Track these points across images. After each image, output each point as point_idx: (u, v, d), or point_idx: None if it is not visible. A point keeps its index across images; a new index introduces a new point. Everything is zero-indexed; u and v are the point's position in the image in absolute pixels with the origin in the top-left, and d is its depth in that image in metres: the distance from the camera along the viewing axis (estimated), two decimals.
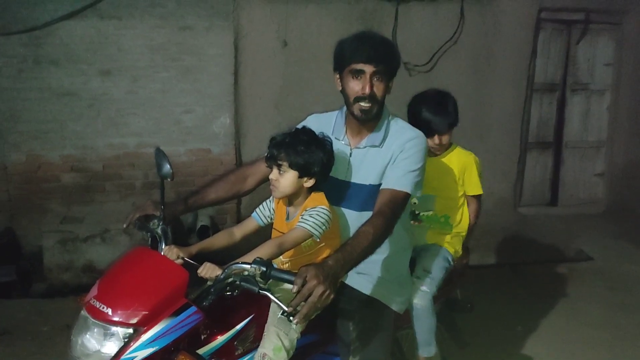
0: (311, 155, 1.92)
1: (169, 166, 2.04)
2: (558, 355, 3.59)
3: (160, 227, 2.03)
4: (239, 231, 2.10)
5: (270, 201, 2.12)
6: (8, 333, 3.83)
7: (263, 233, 2.18)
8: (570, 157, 6.58)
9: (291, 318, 1.57)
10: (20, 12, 4.77)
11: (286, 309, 1.58)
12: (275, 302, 1.64)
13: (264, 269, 1.63)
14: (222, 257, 1.96)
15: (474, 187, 2.79)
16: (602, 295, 4.54)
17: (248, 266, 1.66)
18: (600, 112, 6.58)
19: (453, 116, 2.70)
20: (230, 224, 5.46)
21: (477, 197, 2.83)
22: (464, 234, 2.81)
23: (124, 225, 2.12)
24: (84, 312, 1.68)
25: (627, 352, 3.67)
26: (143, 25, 4.99)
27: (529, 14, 5.95)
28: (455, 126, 2.72)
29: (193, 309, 1.70)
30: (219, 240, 2.06)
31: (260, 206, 2.13)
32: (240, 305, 1.88)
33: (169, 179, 2.05)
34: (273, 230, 2.10)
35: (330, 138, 2.04)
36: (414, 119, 2.59)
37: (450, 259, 2.68)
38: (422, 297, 2.43)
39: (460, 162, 2.76)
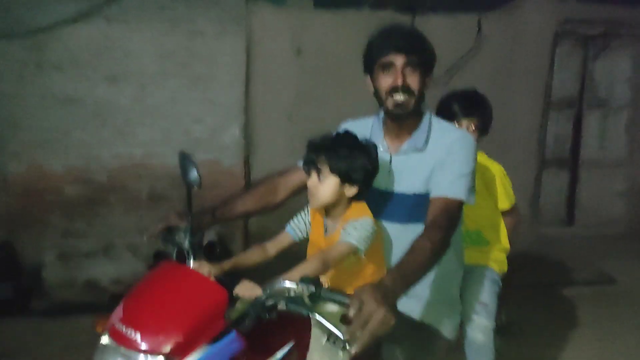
0: (354, 160, 1.74)
1: (196, 172, 1.82)
2: None
3: (188, 240, 1.81)
4: (273, 247, 1.91)
5: (305, 214, 1.92)
6: (6, 356, 3.57)
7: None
8: (587, 176, 6.40)
9: (347, 346, 1.33)
10: (22, 15, 4.53)
11: (341, 335, 1.36)
12: (331, 329, 1.41)
13: (313, 289, 1.42)
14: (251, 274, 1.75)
15: (504, 199, 2.59)
16: (630, 320, 4.35)
17: (294, 285, 1.44)
18: (618, 130, 6.43)
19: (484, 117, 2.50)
20: (239, 240, 5.23)
21: (511, 209, 2.62)
22: (507, 247, 2.59)
23: (145, 238, 1.92)
24: (106, 338, 1.44)
25: None
26: (152, 29, 4.76)
27: (547, 27, 5.83)
28: (485, 132, 2.53)
29: (233, 334, 1.46)
30: (251, 256, 1.87)
31: (295, 219, 1.93)
32: (278, 330, 1.63)
33: (195, 187, 1.82)
34: (309, 244, 1.90)
35: (374, 143, 1.84)
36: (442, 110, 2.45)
37: (499, 280, 2.47)
38: (483, 331, 2.21)
39: (484, 171, 2.55)
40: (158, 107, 4.90)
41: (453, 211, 1.79)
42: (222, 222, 2.08)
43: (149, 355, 1.37)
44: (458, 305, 2.09)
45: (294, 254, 1.95)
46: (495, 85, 5.70)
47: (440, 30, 5.48)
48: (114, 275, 4.45)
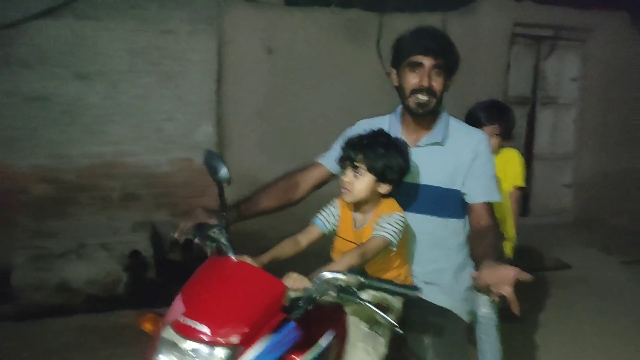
0: (390, 160, 1.83)
1: (225, 169, 1.82)
2: None
3: (224, 236, 1.83)
4: (304, 239, 1.95)
5: (334, 207, 1.98)
6: None
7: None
8: (540, 169, 6.78)
9: (399, 331, 1.58)
10: None
11: (394, 322, 1.53)
12: (382, 316, 1.53)
13: (362, 278, 1.51)
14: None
15: (517, 178, 2.86)
16: (588, 303, 4.63)
17: (342, 276, 1.53)
18: (568, 125, 6.83)
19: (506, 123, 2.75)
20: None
21: (520, 189, 2.87)
22: (514, 237, 2.80)
23: (176, 235, 1.90)
24: (170, 332, 1.46)
25: (625, 358, 3.75)
26: (123, 27, 4.71)
27: (504, 29, 6.12)
28: (507, 136, 2.72)
29: (292, 324, 1.52)
30: (286, 248, 1.90)
31: (324, 212, 1.98)
32: (318, 320, 1.70)
33: (226, 184, 1.84)
34: (337, 238, 1.97)
35: (406, 142, 1.94)
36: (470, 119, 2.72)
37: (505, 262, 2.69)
38: (489, 306, 2.40)
39: (503, 157, 2.78)
40: (129, 104, 4.85)
41: (492, 212, 2.01)
42: (247, 218, 2.11)
43: (217, 346, 1.42)
44: (471, 292, 2.23)
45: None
46: (458, 83, 5.91)
47: (406, 28, 5.65)
48: (88, 276, 4.36)
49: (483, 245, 1.83)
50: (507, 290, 1.56)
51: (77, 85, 4.68)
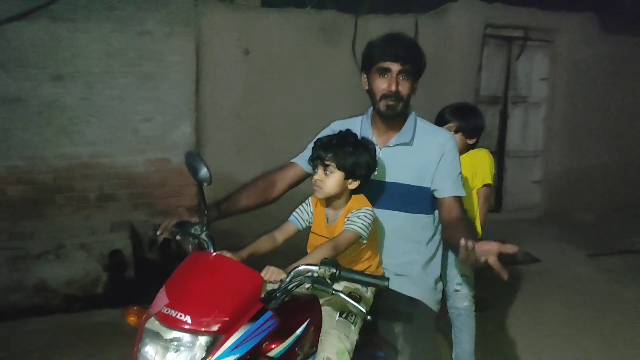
0: (358, 158, 1.94)
1: (206, 169, 1.92)
2: (529, 351, 3.76)
3: (205, 232, 1.94)
4: (280, 235, 2.07)
5: (308, 204, 2.10)
6: None
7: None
8: (511, 165, 6.97)
9: (369, 318, 1.69)
10: None
11: (364, 310, 1.65)
12: (352, 303, 1.64)
13: (334, 270, 1.62)
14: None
15: (485, 177, 2.96)
16: (555, 294, 4.83)
17: (316, 267, 1.64)
18: (537, 123, 7.03)
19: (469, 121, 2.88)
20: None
21: (488, 187, 2.99)
22: (479, 233, 2.94)
23: (158, 232, 2.01)
24: (155, 323, 1.55)
25: (589, 345, 3.92)
26: (99, 29, 4.73)
27: (476, 30, 6.27)
28: (472, 135, 2.86)
29: (269, 313, 1.64)
30: (263, 244, 2.02)
31: (298, 209, 2.10)
32: (294, 310, 1.83)
33: (206, 183, 1.93)
34: (311, 234, 2.08)
35: (373, 143, 2.06)
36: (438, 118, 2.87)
37: None
38: (467, 299, 2.55)
39: (473, 157, 2.91)
40: (106, 105, 4.87)
41: (462, 204, 2.15)
42: (227, 216, 2.20)
43: (199, 335, 1.52)
44: (440, 282, 2.36)
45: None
46: (431, 83, 6.07)
47: (381, 30, 5.73)
48: (67, 276, 4.38)
49: (459, 232, 1.93)
50: (492, 259, 1.67)
51: (53, 86, 4.68)
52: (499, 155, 6.89)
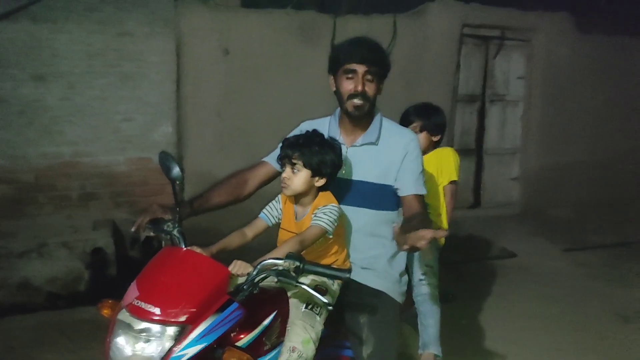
0: (324, 156, 2.02)
1: (178, 168, 2.01)
2: (502, 344, 3.86)
3: (176, 229, 2.02)
4: (250, 231, 2.15)
5: (277, 202, 2.18)
6: None
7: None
8: (489, 163, 7.11)
9: (330, 308, 1.79)
10: None
11: (325, 300, 1.73)
12: (314, 294, 1.73)
13: (298, 263, 1.71)
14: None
15: (451, 174, 3.07)
16: (530, 289, 4.95)
17: (281, 261, 1.73)
18: (515, 121, 7.17)
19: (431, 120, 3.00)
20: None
21: (454, 183, 3.10)
22: (446, 227, 3.05)
23: (133, 229, 2.08)
24: (126, 315, 1.64)
25: (560, 337, 4.04)
26: (80, 30, 4.78)
27: (453, 29, 6.39)
28: (436, 132, 2.97)
29: (235, 305, 1.73)
30: (234, 240, 2.10)
31: (268, 207, 2.19)
32: (262, 302, 1.92)
33: (178, 182, 2.02)
34: (280, 230, 2.17)
35: (339, 142, 2.15)
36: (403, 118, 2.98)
37: (439, 248, 2.94)
38: (431, 288, 2.65)
39: (438, 155, 3.01)
40: (87, 105, 4.93)
41: (423, 202, 2.24)
42: (200, 213, 2.29)
43: (167, 325, 1.61)
44: (405, 275, 2.45)
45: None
46: (410, 83, 6.21)
47: (359, 30, 5.84)
48: (49, 274, 4.43)
49: (412, 223, 2.01)
50: (422, 244, 1.77)
51: (34, 86, 4.73)
52: (478, 153, 7.03)
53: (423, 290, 2.76)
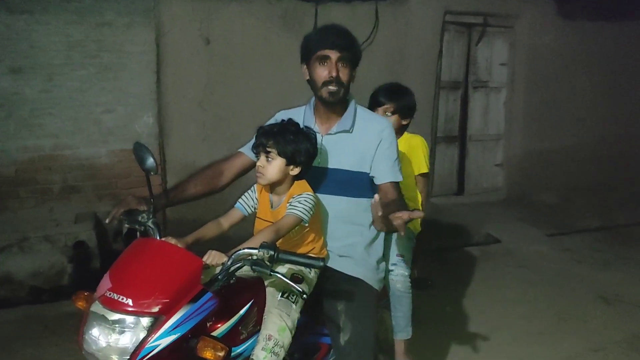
0: (299, 145, 2.02)
1: (152, 159, 2.01)
2: (484, 329, 3.88)
3: (151, 220, 2.02)
4: (226, 221, 2.15)
5: (253, 191, 2.18)
6: None
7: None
8: (473, 150, 7.13)
9: (305, 296, 1.80)
10: None
11: (299, 288, 1.74)
12: (289, 283, 1.74)
13: (272, 252, 1.71)
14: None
15: (420, 166, 3.04)
16: (514, 274, 5.01)
17: (255, 251, 1.73)
18: (498, 108, 7.20)
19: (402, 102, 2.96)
20: (163, 225, 5.34)
21: (424, 176, 3.08)
22: (419, 206, 3.05)
23: (107, 221, 2.08)
24: (99, 306, 1.64)
25: (542, 322, 4.09)
26: (58, 20, 4.72)
27: (435, 17, 6.38)
28: (406, 116, 2.95)
29: (209, 294, 1.73)
30: (209, 230, 2.10)
31: (244, 196, 2.18)
32: (239, 292, 1.92)
33: (153, 173, 2.01)
34: (257, 219, 2.17)
35: (314, 131, 2.14)
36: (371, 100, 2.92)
37: (413, 237, 2.93)
38: (403, 277, 2.65)
39: (407, 144, 3.00)
40: (66, 97, 4.88)
41: (399, 189, 2.25)
42: (175, 204, 2.28)
43: (141, 316, 1.61)
44: (382, 262, 2.46)
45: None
46: (393, 70, 6.19)
47: (341, 18, 5.83)
48: (32, 268, 4.41)
49: (389, 209, 1.99)
50: (398, 223, 1.80)
51: (12, 79, 4.67)
52: (461, 139, 7.05)
53: (394, 278, 2.76)
